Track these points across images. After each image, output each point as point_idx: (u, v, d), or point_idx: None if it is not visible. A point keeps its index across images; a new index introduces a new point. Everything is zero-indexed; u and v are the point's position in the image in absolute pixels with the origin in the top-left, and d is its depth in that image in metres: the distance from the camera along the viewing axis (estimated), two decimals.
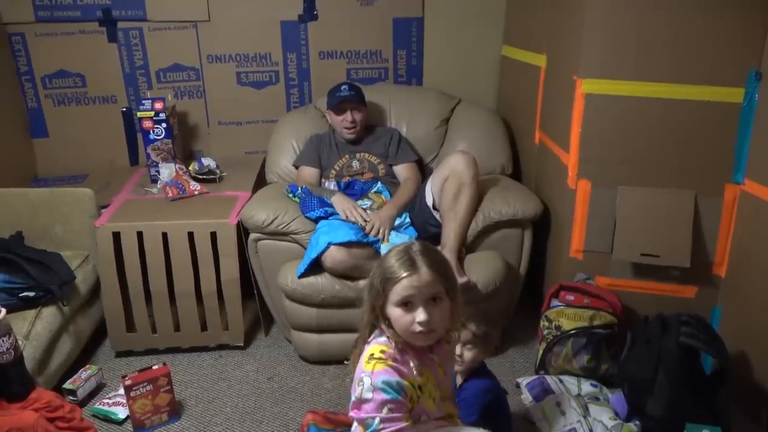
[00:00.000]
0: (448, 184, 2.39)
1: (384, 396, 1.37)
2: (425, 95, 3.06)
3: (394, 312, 1.42)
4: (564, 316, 2.22)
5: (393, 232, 2.46)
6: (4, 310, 1.76)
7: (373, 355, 1.43)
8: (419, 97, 3.04)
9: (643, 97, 2.12)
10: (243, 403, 2.33)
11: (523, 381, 2.25)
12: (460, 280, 2.27)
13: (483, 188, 2.51)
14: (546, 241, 2.60)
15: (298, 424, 1.94)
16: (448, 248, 2.35)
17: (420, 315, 1.39)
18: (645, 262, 2.22)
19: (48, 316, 2.26)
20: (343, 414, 1.95)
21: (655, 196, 2.20)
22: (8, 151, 3.02)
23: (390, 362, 1.42)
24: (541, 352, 2.30)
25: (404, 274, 1.40)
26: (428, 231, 2.51)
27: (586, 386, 2.18)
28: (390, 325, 1.45)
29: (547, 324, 2.28)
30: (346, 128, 2.73)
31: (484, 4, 3.11)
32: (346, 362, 1.61)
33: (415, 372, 1.44)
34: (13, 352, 1.78)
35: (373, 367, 1.41)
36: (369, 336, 1.50)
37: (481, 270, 2.35)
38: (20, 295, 2.21)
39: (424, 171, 2.84)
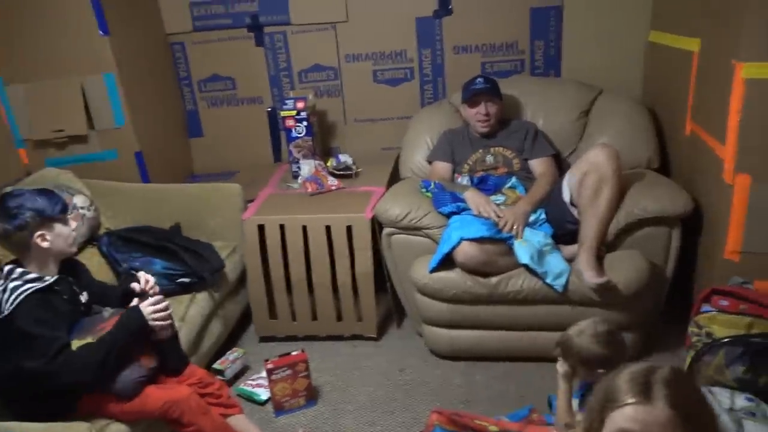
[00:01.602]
0: (587, 178, 2.28)
1: None
2: (563, 86, 2.94)
3: None
4: (716, 322, 2.03)
5: (527, 229, 2.39)
6: (163, 300, 1.93)
7: None
8: (557, 89, 2.93)
9: None
10: (375, 393, 2.39)
11: None
12: (599, 279, 2.17)
13: (626, 183, 2.36)
14: (697, 240, 2.39)
15: (426, 417, 1.95)
16: (586, 246, 2.25)
17: None
18: None
19: (201, 301, 2.45)
20: (469, 415, 1.93)
21: None
22: (171, 151, 3.32)
23: None
24: (689, 360, 2.12)
25: (630, 400, 1.07)
26: (565, 228, 2.41)
27: (741, 400, 1.98)
28: None
29: (696, 330, 2.10)
30: (479, 121, 2.69)
31: None
32: None
33: None
34: (170, 329, 1.96)
35: None
36: None
37: (622, 270, 2.22)
38: (177, 281, 2.42)
39: (561, 166, 2.73)
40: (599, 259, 2.26)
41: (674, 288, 2.42)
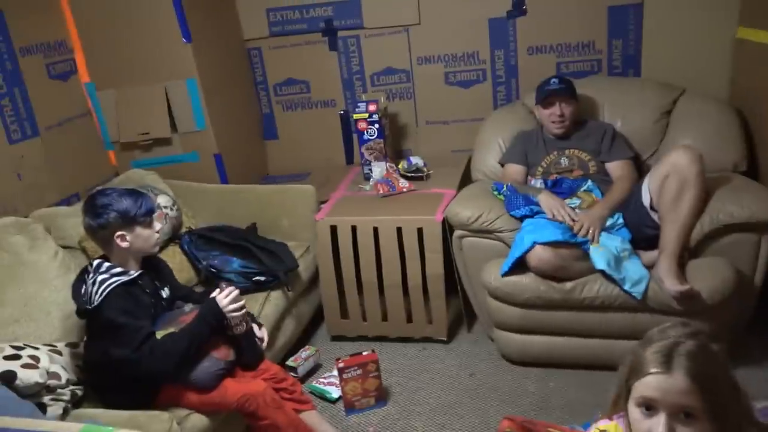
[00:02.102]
0: (668, 181, 2.20)
1: None
2: (643, 86, 2.84)
3: (633, 411, 1.19)
4: None
5: (604, 233, 2.33)
6: (237, 290, 2.00)
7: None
8: (636, 89, 2.83)
9: None
10: (445, 396, 2.38)
11: (757, 405, 1.99)
12: (681, 287, 2.08)
13: (710, 187, 2.26)
14: None
15: (497, 423, 1.92)
16: (667, 252, 2.16)
17: (659, 426, 1.13)
18: None
19: (275, 299, 2.52)
20: (542, 423, 1.89)
21: None
22: (247, 153, 3.43)
23: None
24: None
25: (652, 370, 1.15)
26: (644, 233, 2.33)
27: None
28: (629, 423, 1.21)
29: None
30: (553, 122, 2.64)
31: None
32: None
33: None
34: (245, 324, 2.02)
35: None
36: (614, 411, 1.33)
37: (706, 278, 2.13)
38: (253, 279, 2.49)
39: (640, 169, 2.63)
40: (681, 267, 2.17)
41: (764, 298, 2.29)
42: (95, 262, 1.94)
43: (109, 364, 1.87)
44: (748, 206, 2.17)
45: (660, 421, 1.13)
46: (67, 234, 2.42)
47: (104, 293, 1.84)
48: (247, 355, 2.08)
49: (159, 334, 1.90)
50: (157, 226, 2.02)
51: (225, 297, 1.95)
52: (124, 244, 1.91)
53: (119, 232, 1.90)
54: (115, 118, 3.07)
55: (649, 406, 1.16)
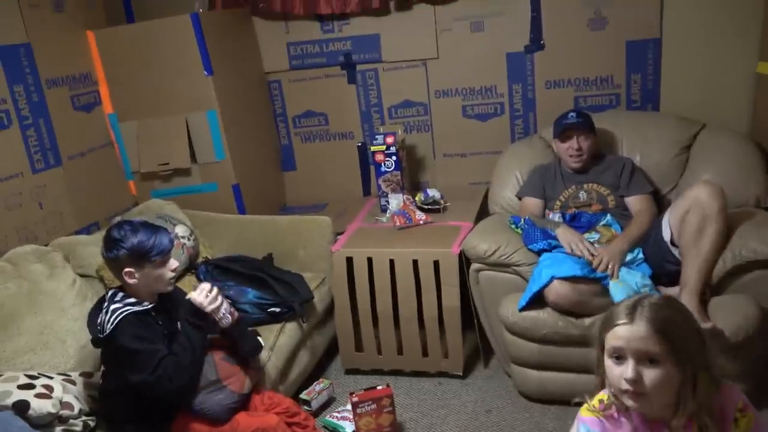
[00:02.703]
0: (689, 216, 2.16)
1: None
2: (662, 121, 2.82)
3: (607, 363, 1.31)
4: None
5: (623, 269, 2.29)
6: (208, 284, 1.96)
7: (593, 401, 1.37)
8: (655, 123, 2.82)
9: None
10: None
11: None
12: (704, 325, 2.03)
13: (733, 223, 2.22)
14: None
15: None
16: (688, 289, 2.12)
17: (627, 371, 1.25)
18: None
19: (290, 331, 2.50)
20: None
21: None
22: (266, 183, 3.46)
23: (600, 415, 1.35)
24: None
25: (619, 322, 1.29)
26: (665, 269, 2.29)
27: None
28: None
29: None
30: (571, 156, 2.63)
31: (735, 18, 2.79)
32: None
33: None
34: (230, 317, 1.98)
35: (583, 413, 1.38)
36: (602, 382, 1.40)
37: (728, 316, 2.08)
38: (268, 310, 2.48)
39: (660, 204, 2.61)
40: (703, 303, 2.13)
41: None
42: (110, 292, 1.94)
43: (127, 392, 1.87)
44: None
45: (628, 366, 1.25)
46: (86, 262, 2.44)
47: (116, 321, 1.84)
48: (242, 346, 2.04)
49: None
50: (173, 264, 1.95)
51: (198, 294, 1.91)
52: (132, 281, 1.88)
53: (127, 269, 1.87)
54: (136, 148, 3.12)
55: (619, 355, 1.27)
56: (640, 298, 1.33)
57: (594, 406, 1.37)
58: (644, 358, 1.25)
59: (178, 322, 2.02)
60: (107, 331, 1.85)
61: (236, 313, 2.03)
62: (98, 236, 2.59)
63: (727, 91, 2.90)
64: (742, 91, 2.87)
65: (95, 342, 1.92)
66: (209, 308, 1.92)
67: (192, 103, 3.02)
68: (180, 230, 2.68)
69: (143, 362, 1.81)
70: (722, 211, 2.14)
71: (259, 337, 2.16)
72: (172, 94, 3.03)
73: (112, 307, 1.88)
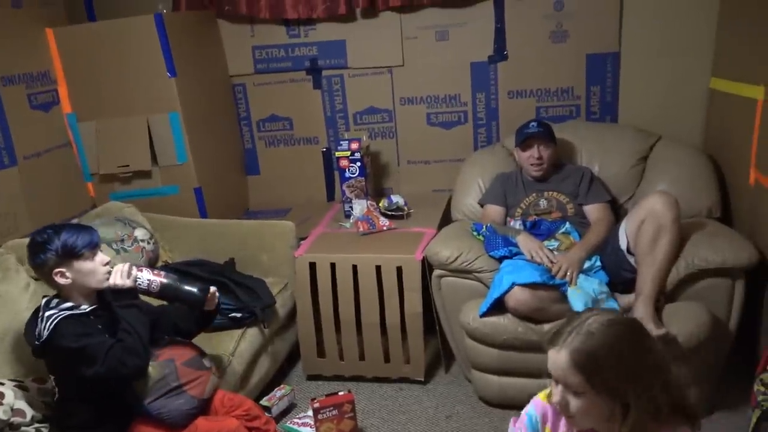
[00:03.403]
0: (645, 226, 2.23)
1: (522, 424, 1.46)
2: (620, 132, 2.90)
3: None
4: None
5: (581, 276, 2.34)
6: (125, 264, 1.91)
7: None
8: (613, 135, 2.89)
9: None
10: None
11: None
12: (658, 331, 2.09)
13: (686, 232, 2.29)
14: (763, 293, 2.29)
15: None
16: (643, 296, 2.18)
17: (555, 395, 1.28)
18: None
19: (251, 336, 2.48)
20: None
21: None
22: (229, 187, 3.42)
23: (550, 402, 1.38)
24: (754, 420, 2.00)
25: (550, 345, 1.28)
26: (621, 276, 2.35)
27: None
28: None
29: (763, 389, 1.99)
30: (532, 165, 2.68)
31: (690, 35, 2.89)
32: None
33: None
34: (157, 279, 1.92)
35: (539, 395, 1.47)
36: None
37: (682, 322, 2.14)
38: (229, 315, 2.45)
39: (617, 212, 2.68)
40: (657, 310, 2.19)
41: (739, 342, 2.31)
42: (44, 300, 1.89)
43: (83, 399, 1.83)
44: (721, 251, 2.20)
45: (556, 390, 1.27)
46: None
47: (52, 325, 1.79)
48: (188, 301, 1.99)
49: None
50: (104, 258, 1.91)
51: (115, 278, 1.87)
52: (64, 281, 1.84)
53: (57, 269, 1.83)
54: (96, 149, 3.05)
55: (551, 375, 1.28)
56: (573, 317, 1.30)
57: (548, 394, 1.39)
58: (568, 387, 1.25)
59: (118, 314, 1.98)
60: (44, 337, 1.79)
61: (162, 273, 1.97)
62: None
63: (682, 105, 3.00)
64: (696, 105, 2.97)
65: (35, 351, 1.86)
66: (130, 283, 1.88)
67: (154, 104, 2.97)
68: (139, 233, 2.63)
69: (90, 357, 1.76)
70: (676, 221, 2.21)
71: (193, 289, 1.98)
72: (133, 95, 2.97)
73: (47, 314, 1.82)
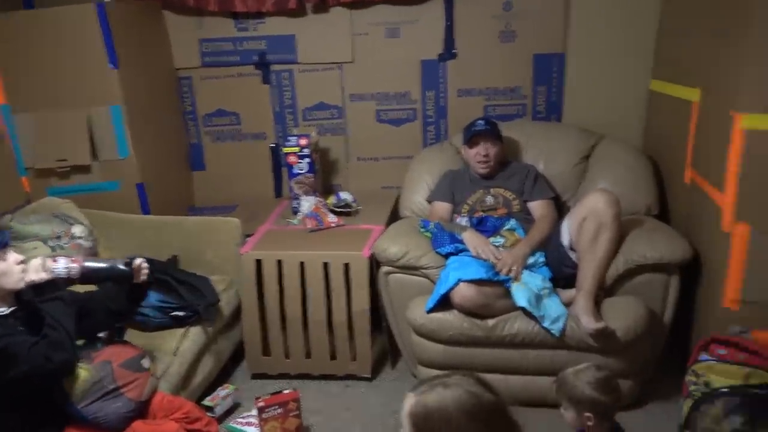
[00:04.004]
0: (586, 223, 2.28)
1: None
2: (564, 131, 2.96)
3: None
4: (714, 371, 2.00)
5: (525, 271, 2.38)
6: (39, 258, 1.86)
7: None
8: (558, 134, 2.95)
9: None
10: None
11: None
12: (597, 325, 2.15)
13: (625, 229, 2.36)
14: (696, 288, 2.37)
15: None
16: (584, 291, 2.23)
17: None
18: None
19: (194, 335, 2.43)
20: None
21: None
22: (172, 183, 3.34)
23: None
24: (686, 409, 2.07)
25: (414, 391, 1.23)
26: (563, 272, 2.40)
27: None
28: None
29: (694, 379, 2.06)
30: (479, 162, 2.70)
31: (631, 38, 2.97)
32: None
33: None
34: (75, 266, 1.84)
35: None
36: None
37: (620, 316, 2.20)
38: (171, 314, 2.40)
39: (560, 209, 2.73)
40: (597, 305, 2.24)
41: (672, 336, 2.39)
42: None
43: (13, 406, 1.74)
44: (659, 248, 2.27)
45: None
46: None
47: None
48: (115, 278, 1.93)
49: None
50: (16, 257, 1.82)
51: (33, 275, 1.82)
52: None
53: None
54: (32, 143, 2.93)
55: None
56: (436, 377, 1.24)
57: None
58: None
59: (55, 330, 1.90)
60: None
61: (80, 258, 1.89)
62: None
63: (624, 106, 3.07)
64: (637, 106, 3.06)
65: None
66: (47, 276, 1.82)
67: (94, 96, 2.87)
68: (77, 230, 2.54)
69: (11, 356, 1.69)
70: (616, 218, 2.27)
71: (118, 264, 1.91)
72: (72, 87, 2.87)
73: None
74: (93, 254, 2.60)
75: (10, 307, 1.82)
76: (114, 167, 2.96)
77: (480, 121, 2.75)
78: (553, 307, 2.26)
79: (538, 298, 2.27)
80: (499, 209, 2.67)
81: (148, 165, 3.04)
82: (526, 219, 2.64)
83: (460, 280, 2.27)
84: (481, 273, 2.29)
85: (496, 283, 2.31)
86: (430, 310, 2.33)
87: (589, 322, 2.16)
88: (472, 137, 2.71)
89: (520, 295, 2.26)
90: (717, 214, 2.13)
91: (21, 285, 1.82)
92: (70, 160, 2.92)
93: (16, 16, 2.90)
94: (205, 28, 3.26)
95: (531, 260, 2.43)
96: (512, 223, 2.60)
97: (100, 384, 1.84)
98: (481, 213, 2.67)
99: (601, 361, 2.14)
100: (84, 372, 1.84)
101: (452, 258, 2.42)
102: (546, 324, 2.22)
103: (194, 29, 3.26)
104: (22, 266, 1.82)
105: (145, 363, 1.97)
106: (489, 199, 2.70)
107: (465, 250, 2.45)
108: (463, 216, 2.70)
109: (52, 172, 2.96)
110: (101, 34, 2.79)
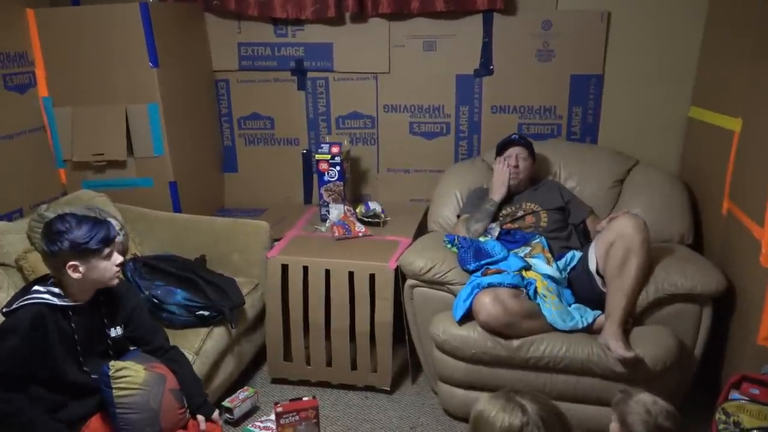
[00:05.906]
0: (614, 248, 2.24)
1: None
2: (599, 154, 2.93)
3: None
4: (745, 411, 1.95)
5: (575, 305, 2.39)
6: None
7: None
8: (592, 156, 2.92)
9: None
10: None
11: None
12: (627, 353, 2.10)
13: (657, 257, 2.32)
14: (729, 322, 2.32)
15: None
16: (612, 319, 2.19)
17: None
18: None
19: (217, 336, 2.44)
20: None
21: None
22: (204, 183, 3.37)
23: None
24: None
25: None
26: (591, 296, 2.36)
27: None
28: None
29: (723, 418, 2.02)
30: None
31: (672, 63, 2.94)
32: None
33: None
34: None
35: None
36: None
37: (649, 346, 2.16)
38: (197, 313, 2.41)
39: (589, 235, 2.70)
40: (626, 333, 2.20)
41: (702, 370, 2.33)
42: (44, 275, 1.87)
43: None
44: (691, 277, 2.22)
45: None
46: (4, 251, 2.31)
47: (19, 306, 1.77)
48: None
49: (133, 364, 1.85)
50: (118, 258, 1.88)
51: None
52: (77, 275, 1.79)
53: (72, 263, 1.78)
54: (70, 136, 2.98)
55: None
56: (530, 403, 1.39)
57: None
58: None
59: (114, 327, 1.96)
60: (8, 309, 1.77)
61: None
62: (20, 224, 2.47)
63: (661, 131, 3.04)
64: (674, 133, 3.02)
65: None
66: None
67: (133, 94, 2.92)
68: None
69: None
70: (645, 244, 2.22)
71: None
72: (113, 83, 2.92)
73: (35, 287, 1.81)
74: (124, 249, 2.62)
75: (77, 302, 1.87)
76: (148, 164, 3.00)
77: (514, 135, 2.79)
78: (580, 311, 2.33)
79: (567, 313, 2.30)
80: (527, 218, 2.65)
81: (181, 164, 3.07)
82: (554, 234, 2.60)
83: (484, 285, 2.27)
84: (507, 279, 2.30)
85: (526, 301, 2.29)
86: (461, 320, 2.30)
87: (618, 348, 2.12)
88: (504, 145, 2.73)
89: (558, 319, 2.27)
90: (755, 248, 2.08)
91: (114, 282, 1.90)
92: (106, 155, 2.97)
93: (64, 11, 2.97)
94: (245, 32, 3.30)
95: (555, 272, 2.40)
96: (541, 240, 2.56)
97: (146, 395, 1.84)
98: (510, 226, 2.65)
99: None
100: (142, 372, 1.86)
101: (477, 273, 2.40)
102: (579, 326, 2.28)
103: (234, 33, 3.30)
104: (118, 268, 1.90)
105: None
106: (518, 213, 2.67)
107: (488, 265, 2.42)
108: (494, 228, 2.67)
109: (88, 165, 3.00)
110: (143, 33, 2.83)
